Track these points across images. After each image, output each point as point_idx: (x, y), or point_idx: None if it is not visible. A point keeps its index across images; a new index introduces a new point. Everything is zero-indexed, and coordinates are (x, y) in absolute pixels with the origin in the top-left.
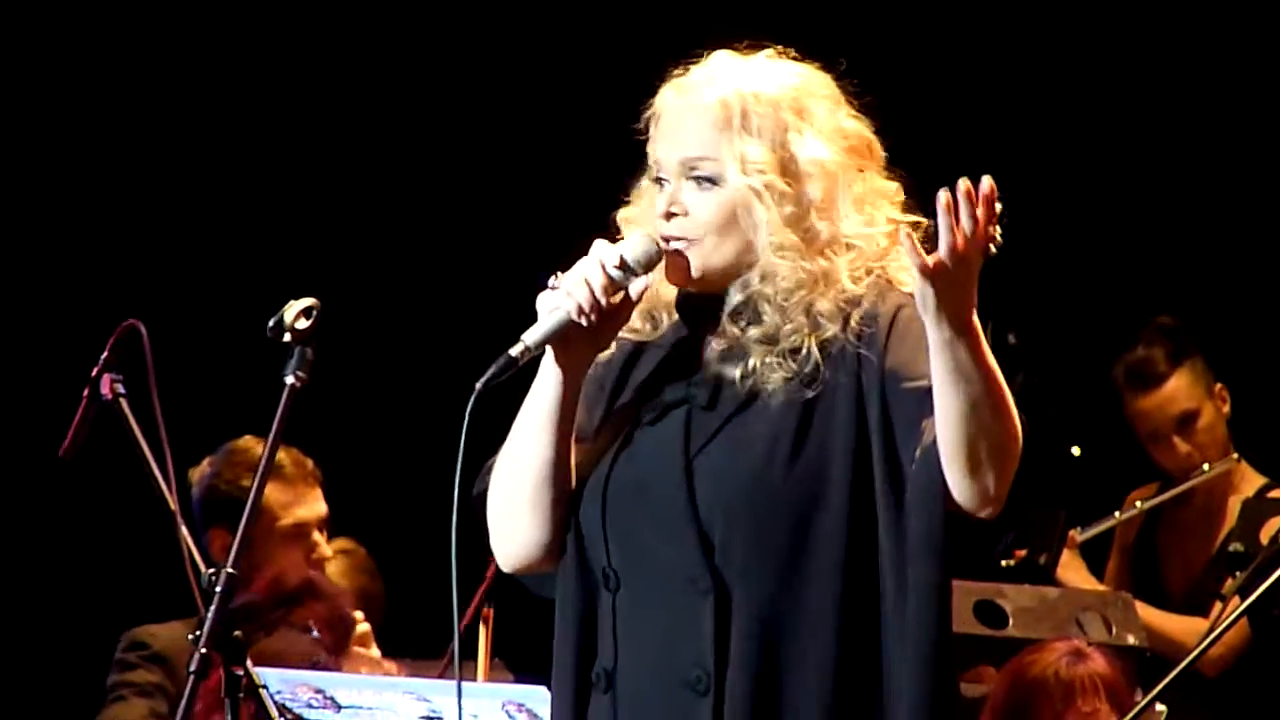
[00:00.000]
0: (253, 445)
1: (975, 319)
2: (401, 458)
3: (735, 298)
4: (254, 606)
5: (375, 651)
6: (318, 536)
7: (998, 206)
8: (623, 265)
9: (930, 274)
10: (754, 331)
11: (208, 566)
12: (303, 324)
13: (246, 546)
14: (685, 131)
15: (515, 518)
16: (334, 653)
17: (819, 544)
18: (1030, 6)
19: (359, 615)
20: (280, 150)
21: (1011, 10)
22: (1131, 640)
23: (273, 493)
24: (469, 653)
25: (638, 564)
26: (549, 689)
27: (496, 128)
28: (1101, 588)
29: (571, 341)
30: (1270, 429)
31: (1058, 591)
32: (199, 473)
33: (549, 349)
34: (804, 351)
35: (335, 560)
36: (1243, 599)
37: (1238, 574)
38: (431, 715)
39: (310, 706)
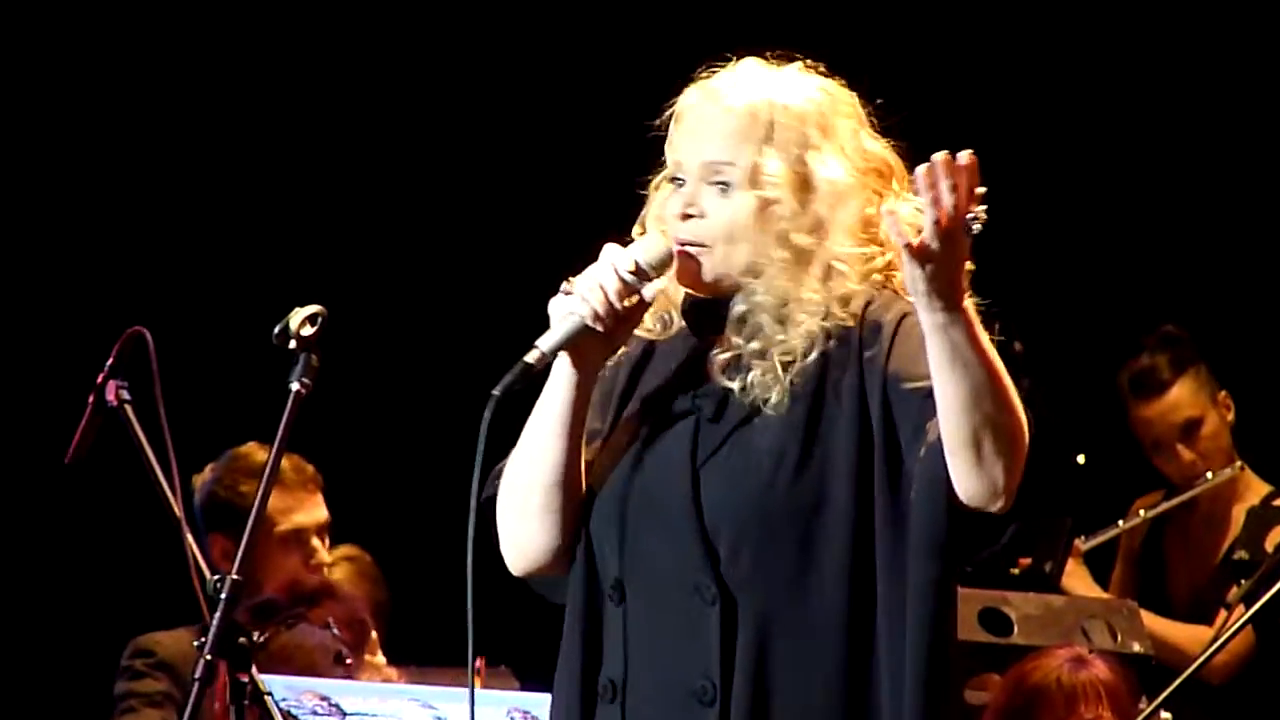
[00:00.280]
0: (253, 451)
1: (969, 304)
2: (407, 464)
3: (738, 308)
4: (273, 604)
5: (380, 658)
6: (316, 542)
7: (979, 188)
8: (636, 269)
9: (916, 253)
10: (753, 345)
11: (211, 573)
12: (308, 330)
13: (247, 551)
14: (710, 135)
15: (527, 522)
16: (354, 650)
17: (824, 555)
18: (1040, 15)
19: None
20: (286, 157)
21: (1022, 19)
22: (1137, 648)
23: (271, 498)
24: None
25: (644, 574)
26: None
27: (501, 134)
28: (1106, 596)
29: (585, 346)
30: (1274, 437)
31: (1063, 599)
32: (200, 479)
33: (563, 354)
34: (800, 365)
35: (340, 566)
36: (1247, 607)
37: (1243, 582)
38: None
39: (315, 714)
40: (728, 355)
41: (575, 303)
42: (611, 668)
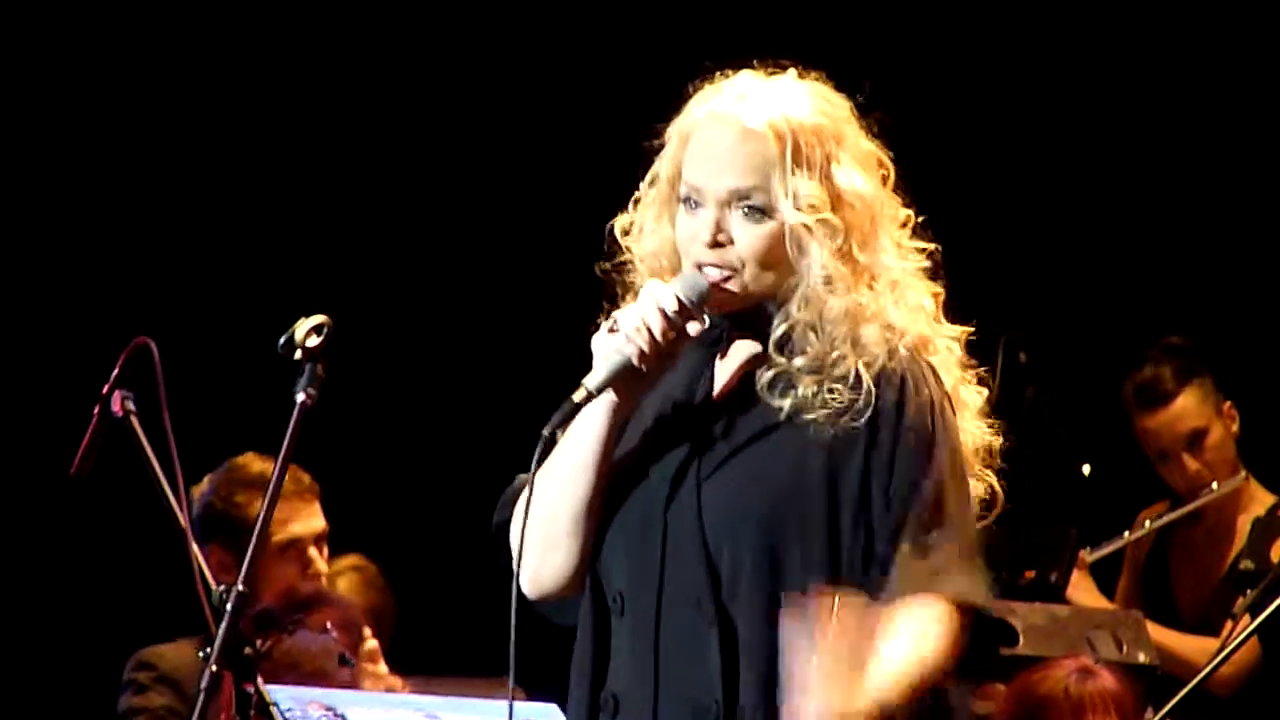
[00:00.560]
0: (250, 461)
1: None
2: (412, 475)
3: (779, 329)
4: (271, 613)
5: (383, 668)
6: (313, 552)
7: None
8: (681, 308)
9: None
10: (800, 361)
11: (214, 584)
12: (313, 341)
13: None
14: (733, 161)
15: (555, 551)
16: (352, 652)
17: (823, 579)
18: (1047, 26)
19: (367, 632)
20: (291, 167)
21: (1027, 30)
22: (1142, 659)
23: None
24: None
25: (646, 589)
26: (560, 709)
27: (507, 146)
28: (1112, 607)
29: (626, 382)
30: (1279, 447)
31: (1069, 610)
32: (198, 490)
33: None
34: (853, 378)
35: (346, 576)
36: (1253, 617)
37: (1248, 592)
38: None
39: None
40: (772, 373)
41: (621, 341)
42: (614, 682)
